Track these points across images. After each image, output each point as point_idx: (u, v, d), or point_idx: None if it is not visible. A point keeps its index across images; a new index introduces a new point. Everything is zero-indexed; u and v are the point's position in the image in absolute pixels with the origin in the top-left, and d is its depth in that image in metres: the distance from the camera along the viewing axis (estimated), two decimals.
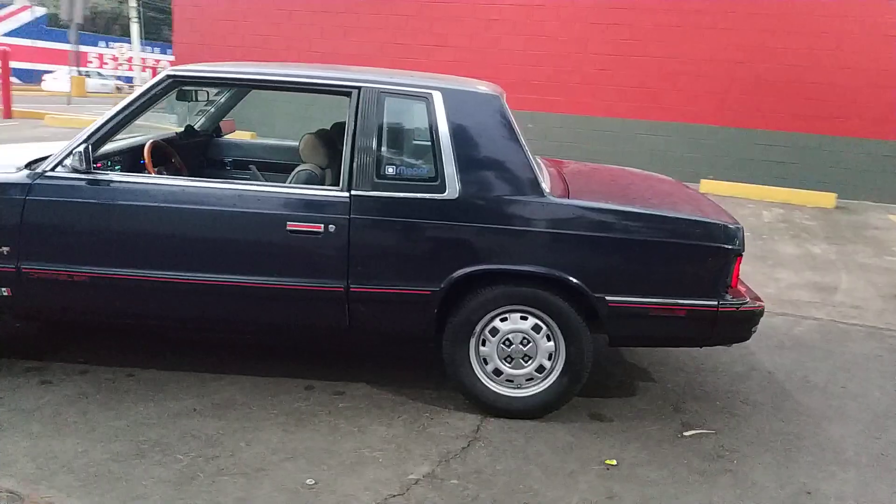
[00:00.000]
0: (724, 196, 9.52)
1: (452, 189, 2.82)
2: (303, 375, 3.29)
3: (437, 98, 2.91)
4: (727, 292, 2.87)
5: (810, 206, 9.32)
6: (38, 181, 2.86)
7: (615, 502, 2.48)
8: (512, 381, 2.99)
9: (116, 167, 3.34)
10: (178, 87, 2.98)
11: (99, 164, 3.23)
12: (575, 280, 2.81)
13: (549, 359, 2.96)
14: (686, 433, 3.00)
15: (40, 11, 33.23)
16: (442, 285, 2.84)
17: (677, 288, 2.85)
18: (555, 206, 2.83)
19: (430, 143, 2.87)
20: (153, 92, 2.94)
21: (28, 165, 2.94)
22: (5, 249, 2.86)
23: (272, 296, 2.88)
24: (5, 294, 2.91)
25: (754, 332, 2.97)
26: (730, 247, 2.83)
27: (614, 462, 2.73)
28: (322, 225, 2.82)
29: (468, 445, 2.79)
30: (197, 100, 3.56)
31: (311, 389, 3.18)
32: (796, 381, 3.63)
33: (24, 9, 32.30)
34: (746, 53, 9.78)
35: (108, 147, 3.42)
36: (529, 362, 2.96)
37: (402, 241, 2.85)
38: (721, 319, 2.86)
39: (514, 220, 2.82)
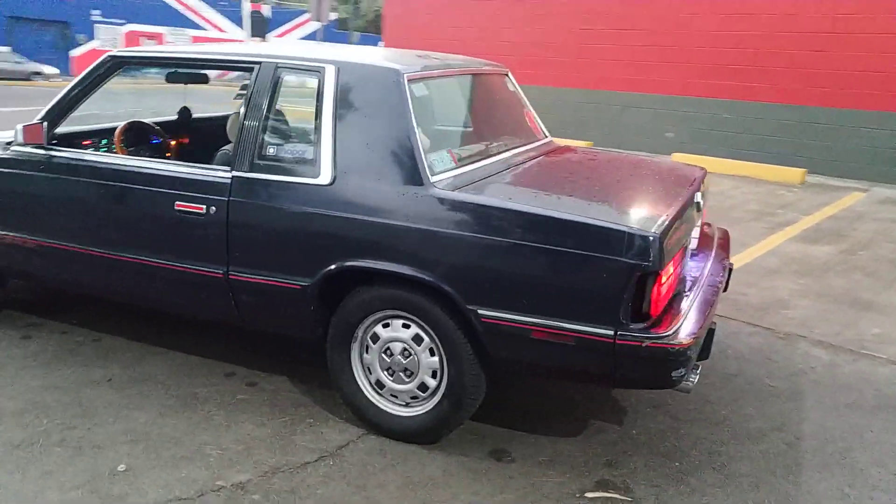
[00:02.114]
0: None
1: (326, 174, 2.53)
2: (234, 361, 3.22)
3: (330, 72, 2.62)
4: (635, 320, 2.18)
5: None
6: (1, 154, 3.14)
7: None
8: (397, 398, 2.62)
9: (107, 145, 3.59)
10: (119, 67, 3.07)
11: (89, 142, 3.50)
12: (441, 285, 2.35)
13: (434, 377, 2.53)
14: (588, 494, 2.36)
15: (333, 16, 37.46)
16: (314, 279, 2.57)
17: (566, 308, 2.23)
18: (427, 199, 2.39)
19: (313, 122, 2.61)
20: (98, 72, 3.06)
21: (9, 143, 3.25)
22: None
23: (165, 276, 2.85)
24: None
25: (678, 376, 2.21)
26: (633, 261, 2.14)
27: None
28: (204, 206, 2.71)
29: (316, 461, 2.50)
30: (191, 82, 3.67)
31: (230, 376, 3.09)
32: (827, 456, 2.67)
33: None
34: None
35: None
36: (412, 378, 2.56)
37: (277, 227, 2.62)
38: (621, 354, 2.18)
39: (382, 212, 2.43)
